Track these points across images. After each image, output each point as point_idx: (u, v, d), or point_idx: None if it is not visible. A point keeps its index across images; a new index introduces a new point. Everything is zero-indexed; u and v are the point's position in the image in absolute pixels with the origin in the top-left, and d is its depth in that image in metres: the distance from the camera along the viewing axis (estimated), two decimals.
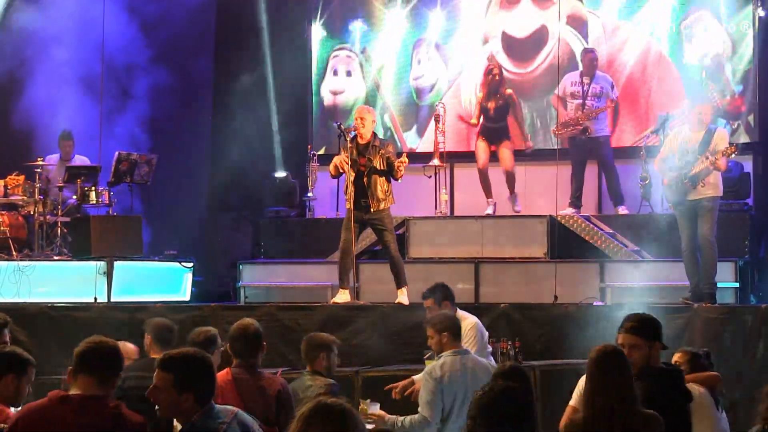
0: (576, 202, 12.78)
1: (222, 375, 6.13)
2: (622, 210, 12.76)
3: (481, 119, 12.99)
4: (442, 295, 8.68)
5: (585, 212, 12.72)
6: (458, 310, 8.72)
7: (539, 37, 14.27)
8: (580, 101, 12.84)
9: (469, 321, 8.72)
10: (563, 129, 12.95)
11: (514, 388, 3.99)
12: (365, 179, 10.81)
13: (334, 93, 14.98)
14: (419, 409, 7.10)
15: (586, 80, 12.89)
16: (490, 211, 12.86)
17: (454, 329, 7.29)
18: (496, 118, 12.90)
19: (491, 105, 12.87)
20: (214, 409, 4.66)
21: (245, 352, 6.32)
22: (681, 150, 10.31)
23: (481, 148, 12.96)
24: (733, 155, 10.23)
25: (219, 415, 4.65)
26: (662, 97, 13.71)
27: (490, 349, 9.03)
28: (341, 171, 10.96)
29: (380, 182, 10.82)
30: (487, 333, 9.07)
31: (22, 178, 12.63)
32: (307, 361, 7.15)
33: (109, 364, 4.79)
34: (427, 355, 8.01)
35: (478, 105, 13.02)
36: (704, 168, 10.13)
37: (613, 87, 12.96)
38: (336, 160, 10.99)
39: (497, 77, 12.94)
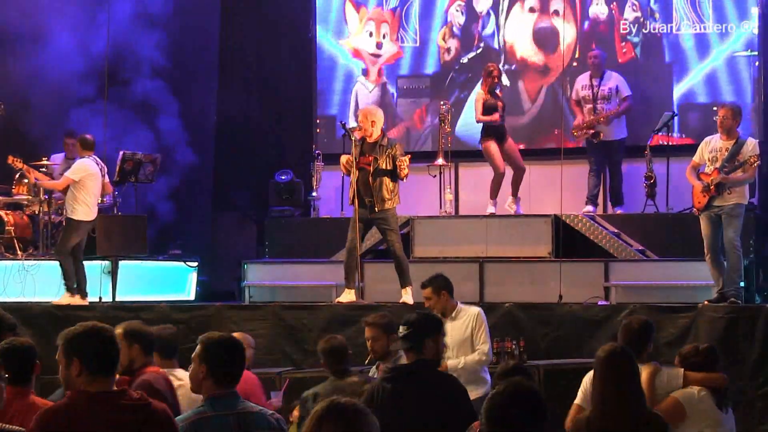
0: (593, 200, 12.83)
1: None
2: (618, 211, 12.79)
3: (486, 118, 12.83)
4: (442, 285, 8.62)
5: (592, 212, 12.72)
6: (459, 303, 8.70)
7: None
8: (591, 105, 12.87)
9: (474, 309, 8.69)
10: (578, 132, 12.97)
11: (527, 386, 3.95)
12: (370, 178, 10.82)
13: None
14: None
15: (594, 82, 12.92)
16: (493, 210, 12.81)
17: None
18: (503, 116, 12.85)
19: (500, 104, 12.80)
20: (228, 398, 4.86)
21: None
22: (711, 159, 10.39)
23: (495, 150, 12.70)
24: (756, 164, 10.29)
25: (221, 406, 4.83)
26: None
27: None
28: (347, 170, 10.98)
29: (386, 182, 10.82)
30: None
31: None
32: (345, 363, 7.21)
33: (117, 355, 4.66)
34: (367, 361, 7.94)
35: (483, 103, 12.85)
36: (731, 180, 10.21)
37: (620, 84, 12.96)
38: (342, 159, 11.02)
39: (498, 78, 12.89)
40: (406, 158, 10.74)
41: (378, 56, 14.80)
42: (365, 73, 14.81)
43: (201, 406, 4.89)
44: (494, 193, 12.86)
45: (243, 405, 4.93)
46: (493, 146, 12.70)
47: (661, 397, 6.36)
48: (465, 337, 8.46)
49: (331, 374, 7.26)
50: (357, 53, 14.83)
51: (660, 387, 6.40)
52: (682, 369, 6.47)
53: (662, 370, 6.47)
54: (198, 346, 4.98)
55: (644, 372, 6.34)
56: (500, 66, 13.43)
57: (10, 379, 5.41)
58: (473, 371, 8.31)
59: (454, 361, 8.28)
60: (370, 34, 14.82)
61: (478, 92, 12.99)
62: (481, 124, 12.79)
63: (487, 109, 12.68)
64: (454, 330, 8.39)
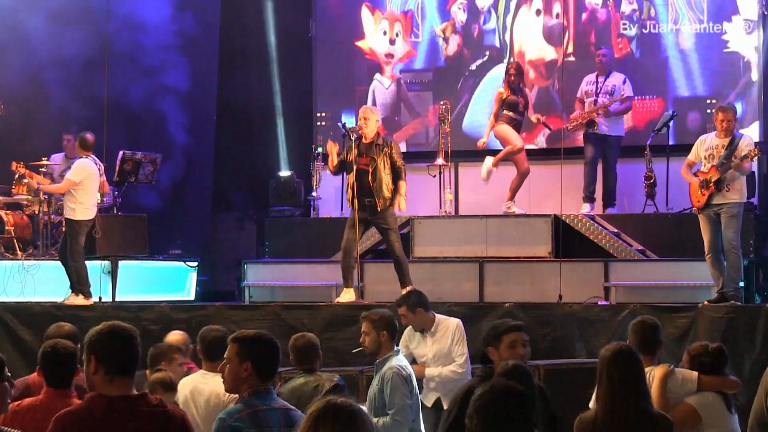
0: (590, 197, 12.84)
1: None
2: (610, 211, 12.80)
3: (507, 113, 12.80)
4: (416, 302, 8.58)
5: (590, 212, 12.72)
6: (436, 315, 8.69)
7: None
8: (593, 99, 12.90)
9: (454, 320, 8.68)
10: (572, 123, 12.96)
11: (514, 387, 3.96)
12: (369, 178, 10.82)
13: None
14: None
15: (600, 79, 12.95)
16: (513, 208, 12.80)
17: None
18: (523, 112, 12.91)
19: (520, 100, 12.87)
20: (270, 393, 4.95)
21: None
22: (707, 156, 10.39)
23: (510, 129, 12.73)
24: (756, 157, 10.30)
25: (268, 400, 4.94)
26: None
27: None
28: (335, 165, 11.02)
29: (385, 181, 10.84)
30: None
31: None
32: (305, 361, 7.17)
33: (137, 357, 4.56)
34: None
35: (499, 102, 12.86)
36: (729, 173, 10.21)
37: (625, 83, 12.96)
38: (328, 147, 11.07)
39: (516, 76, 12.90)
40: (403, 195, 10.92)
41: (392, 55, 14.86)
42: (380, 70, 14.88)
43: (247, 400, 4.91)
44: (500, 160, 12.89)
45: (279, 400, 5.04)
46: (508, 127, 12.75)
47: (674, 399, 6.28)
48: (447, 351, 8.48)
49: (302, 371, 7.18)
50: (372, 53, 14.89)
51: (674, 390, 6.30)
52: (696, 372, 6.37)
53: (675, 372, 6.38)
54: (233, 345, 5.00)
55: (657, 373, 6.29)
56: (511, 64, 13.44)
57: (50, 383, 5.39)
58: (450, 381, 8.32)
59: (433, 369, 8.43)
60: (384, 33, 14.90)
61: (498, 90, 13.08)
62: (492, 121, 12.89)
63: (509, 105, 12.80)
64: (436, 343, 8.46)
